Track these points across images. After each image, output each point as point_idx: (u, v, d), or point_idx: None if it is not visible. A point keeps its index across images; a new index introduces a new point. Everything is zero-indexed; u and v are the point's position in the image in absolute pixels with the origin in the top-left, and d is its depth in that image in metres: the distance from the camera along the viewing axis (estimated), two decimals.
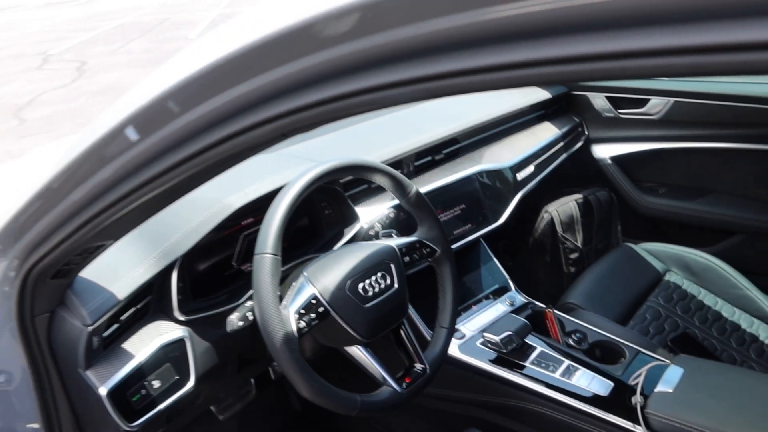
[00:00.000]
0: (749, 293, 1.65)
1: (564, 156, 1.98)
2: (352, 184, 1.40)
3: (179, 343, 1.05)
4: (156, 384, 1.01)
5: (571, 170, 2.07)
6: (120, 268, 1.01)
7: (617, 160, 2.11)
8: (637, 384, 1.23)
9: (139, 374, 0.99)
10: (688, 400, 1.18)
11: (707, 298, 1.68)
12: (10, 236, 0.85)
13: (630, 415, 1.19)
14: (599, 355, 1.38)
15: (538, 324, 1.42)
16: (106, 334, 0.99)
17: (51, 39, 11.43)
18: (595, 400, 1.24)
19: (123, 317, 1.02)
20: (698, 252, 1.77)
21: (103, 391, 0.94)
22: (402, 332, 1.09)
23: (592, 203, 1.97)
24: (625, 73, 0.36)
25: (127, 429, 0.97)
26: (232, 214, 1.11)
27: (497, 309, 1.51)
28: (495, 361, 1.34)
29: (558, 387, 1.27)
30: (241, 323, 1.01)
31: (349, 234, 1.32)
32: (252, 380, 1.59)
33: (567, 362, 1.32)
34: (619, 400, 1.23)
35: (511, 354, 1.34)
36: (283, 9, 0.49)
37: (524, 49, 0.37)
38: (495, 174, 1.68)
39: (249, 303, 1.05)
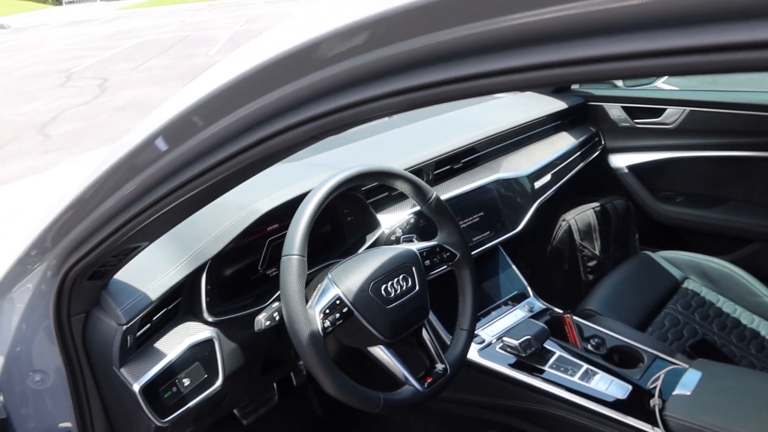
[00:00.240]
0: None
1: (581, 165, 2.00)
2: (374, 192, 1.44)
3: (208, 343, 1.09)
4: (186, 382, 1.05)
5: (588, 179, 2.09)
6: (152, 271, 1.05)
7: (634, 169, 2.12)
8: (655, 387, 1.24)
9: (170, 372, 1.03)
10: (706, 402, 1.19)
11: (726, 306, 1.69)
12: (48, 240, 0.89)
13: (648, 417, 1.20)
14: (617, 360, 1.39)
15: (556, 329, 1.44)
16: (139, 333, 1.03)
17: (74, 57, 11.71)
18: (613, 403, 1.25)
19: (155, 318, 1.06)
20: (716, 260, 1.77)
21: (136, 387, 0.98)
22: (423, 333, 1.12)
23: (609, 212, 1.98)
24: (627, 74, 0.38)
25: (159, 425, 1.01)
26: (259, 218, 1.15)
27: (516, 315, 1.53)
28: (514, 365, 1.36)
29: (577, 390, 1.28)
30: (268, 323, 1.05)
31: (370, 240, 1.35)
32: (275, 386, 1.62)
33: (585, 366, 1.34)
34: (637, 403, 1.24)
35: (530, 358, 1.36)
36: (314, 19, 0.53)
37: (544, 52, 0.40)
38: (513, 182, 1.71)
39: (276, 304, 1.09)
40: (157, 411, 1.00)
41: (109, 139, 5.84)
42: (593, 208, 1.96)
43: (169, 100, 0.68)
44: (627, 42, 0.36)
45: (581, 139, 2.05)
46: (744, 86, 1.93)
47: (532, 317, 1.51)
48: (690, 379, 1.25)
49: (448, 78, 0.45)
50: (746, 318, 1.64)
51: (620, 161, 2.15)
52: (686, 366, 1.30)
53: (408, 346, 1.11)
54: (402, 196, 1.49)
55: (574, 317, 1.48)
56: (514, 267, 1.67)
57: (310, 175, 1.30)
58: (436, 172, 1.59)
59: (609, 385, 1.29)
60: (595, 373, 1.32)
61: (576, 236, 1.91)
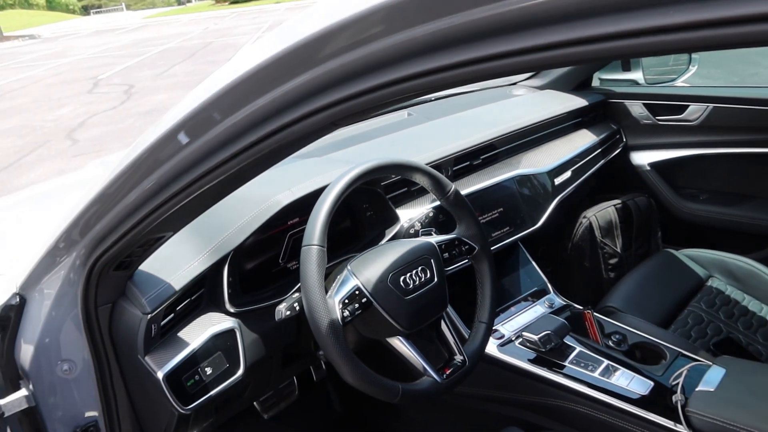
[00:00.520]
0: None
1: (602, 162, 1.99)
2: (393, 187, 1.45)
3: (230, 333, 1.11)
4: (208, 371, 1.06)
5: (609, 177, 2.08)
6: (176, 262, 1.08)
7: (656, 166, 2.10)
8: (677, 384, 1.23)
9: (193, 361, 1.05)
10: (730, 398, 1.17)
11: (752, 304, 1.66)
12: (76, 233, 0.92)
13: (670, 414, 1.19)
14: (639, 357, 1.38)
15: (576, 325, 1.43)
16: (163, 322, 1.05)
17: (101, 64, 11.96)
18: (634, 399, 1.24)
19: (178, 308, 1.08)
20: (741, 258, 1.75)
21: (160, 374, 1.00)
22: (442, 325, 1.12)
23: (631, 209, 1.97)
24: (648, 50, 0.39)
25: (182, 412, 1.03)
26: (279, 211, 1.17)
27: (536, 310, 1.53)
28: (534, 361, 1.36)
29: (597, 386, 1.27)
30: (288, 312, 1.06)
31: (389, 234, 1.36)
32: (295, 380, 1.63)
33: (606, 362, 1.33)
34: (659, 399, 1.23)
35: (550, 353, 1.35)
36: (330, 7, 0.54)
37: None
38: (532, 178, 1.71)
39: (296, 294, 1.11)
40: (180, 398, 1.02)
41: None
42: (614, 206, 1.95)
43: (189, 94, 0.70)
44: (647, 18, 0.36)
45: (602, 136, 2.03)
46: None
47: (552, 313, 1.51)
48: (714, 376, 1.23)
49: (465, 60, 0.46)
50: None
51: (642, 158, 2.13)
52: (709, 363, 1.29)
53: (426, 338, 1.11)
54: (421, 192, 1.50)
55: (595, 314, 1.47)
56: (533, 263, 1.66)
57: (329, 170, 1.32)
58: (455, 168, 1.59)
59: (630, 381, 1.27)
60: (616, 369, 1.31)
61: (597, 233, 1.90)
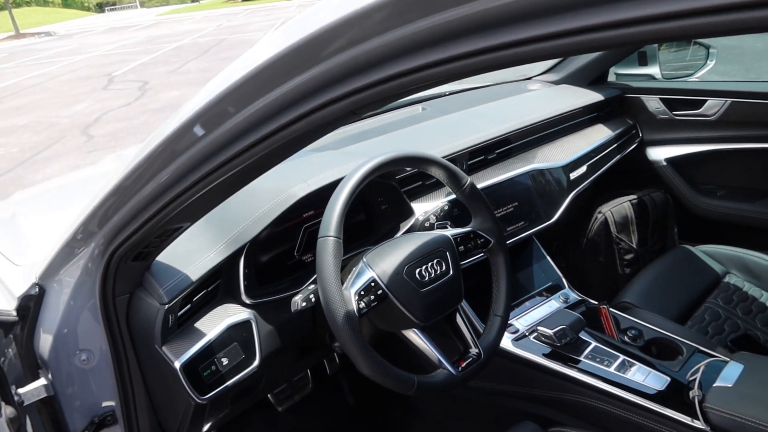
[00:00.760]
0: None
1: (618, 157, 1.98)
2: (408, 181, 1.44)
3: (246, 324, 1.11)
4: (225, 361, 1.07)
5: (625, 172, 2.06)
6: (193, 253, 1.08)
7: (673, 161, 2.08)
8: (695, 379, 1.22)
9: (210, 351, 1.05)
10: (748, 394, 1.16)
11: None
12: (94, 224, 0.93)
13: (687, 409, 1.18)
14: (655, 352, 1.37)
15: (592, 321, 1.42)
16: (180, 313, 1.06)
17: (115, 61, 12.06)
18: (651, 394, 1.23)
19: (195, 298, 1.09)
20: (760, 254, 1.73)
21: (177, 364, 1.01)
22: (457, 318, 1.12)
23: (647, 204, 1.95)
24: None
25: (199, 401, 1.03)
26: (295, 203, 1.17)
27: (551, 305, 1.52)
28: (549, 355, 1.35)
29: (613, 381, 1.27)
30: (304, 304, 1.07)
31: (404, 228, 1.36)
32: (308, 373, 1.64)
33: (622, 357, 1.32)
34: (675, 395, 1.22)
35: (565, 348, 1.35)
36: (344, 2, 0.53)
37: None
38: (548, 173, 1.70)
39: (312, 286, 1.11)
40: (197, 388, 1.03)
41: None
42: (630, 201, 1.93)
43: (206, 86, 0.70)
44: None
45: (618, 131, 2.01)
46: None
47: (567, 308, 1.50)
48: (731, 372, 1.22)
49: (484, 47, 0.46)
50: None
51: (658, 154, 2.11)
52: (727, 359, 1.27)
53: (441, 331, 1.11)
54: (436, 186, 1.50)
55: (611, 309, 1.46)
56: (548, 258, 1.65)
57: (345, 163, 1.32)
58: (469, 162, 1.58)
59: (646, 377, 1.27)
60: (632, 365, 1.30)
61: (612, 229, 1.88)
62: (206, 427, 1.22)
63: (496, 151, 1.66)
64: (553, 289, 1.59)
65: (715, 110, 1.93)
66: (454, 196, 1.35)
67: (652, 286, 1.66)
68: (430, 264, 1.06)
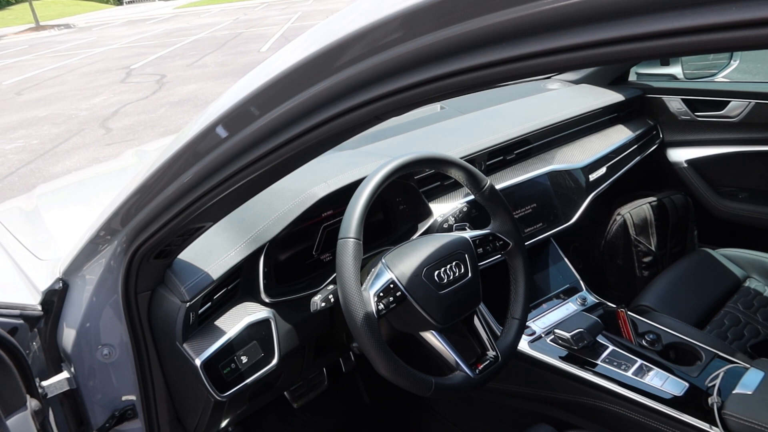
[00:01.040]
0: None
1: (638, 159, 1.96)
2: (427, 181, 1.44)
3: (265, 323, 1.12)
4: (244, 359, 1.08)
5: (645, 173, 2.04)
6: (214, 252, 1.09)
7: (694, 163, 2.06)
8: (713, 386, 1.21)
9: (230, 349, 1.06)
10: None
11: None
12: (117, 222, 0.94)
13: (706, 416, 1.17)
14: (674, 357, 1.36)
15: (609, 324, 1.41)
16: (200, 311, 1.07)
17: (133, 54, 12.15)
18: (668, 399, 1.22)
19: (215, 296, 1.10)
20: None
21: (198, 362, 1.02)
22: (475, 321, 1.12)
23: (667, 206, 1.93)
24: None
25: (218, 399, 1.05)
26: (315, 203, 1.18)
27: (568, 308, 1.51)
28: (565, 358, 1.35)
29: (630, 385, 1.26)
30: (323, 304, 1.07)
31: (422, 228, 1.36)
32: (324, 371, 1.65)
33: (640, 362, 1.31)
34: (694, 400, 1.21)
35: (582, 351, 1.34)
36: (374, 3, 0.54)
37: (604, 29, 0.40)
38: (567, 174, 1.69)
39: (331, 287, 1.11)
40: (216, 386, 1.04)
41: (167, 132, 6.04)
42: (650, 203, 1.91)
43: (231, 88, 0.71)
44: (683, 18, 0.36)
45: (638, 132, 2.00)
46: None
47: (584, 311, 1.49)
48: (751, 379, 1.21)
49: (507, 57, 0.46)
50: None
51: (679, 155, 2.09)
52: (747, 365, 1.26)
53: (459, 334, 1.11)
54: (454, 186, 1.50)
55: (629, 312, 1.45)
56: (566, 260, 1.65)
57: (364, 163, 1.32)
58: (488, 163, 1.58)
59: (664, 382, 1.26)
60: (649, 369, 1.29)
61: (631, 231, 1.87)
62: (224, 423, 1.23)
63: (515, 152, 1.65)
64: (571, 292, 1.58)
65: (738, 112, 1.91)
66: (472, 196, 1.35)
67: (670, 290, 1.64)
68: (448, 266, 1.06)
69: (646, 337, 1.38)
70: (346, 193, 1.17)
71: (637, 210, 1.89)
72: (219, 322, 1.09)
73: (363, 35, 0.52)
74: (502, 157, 1.62)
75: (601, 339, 1.37)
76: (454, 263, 1.07)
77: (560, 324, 1.41)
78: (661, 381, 1.26)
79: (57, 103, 8.20)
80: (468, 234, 1.15)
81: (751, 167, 1.97)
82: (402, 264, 1.05)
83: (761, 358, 1.33)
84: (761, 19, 0.33)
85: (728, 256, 1.77)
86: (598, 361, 1.32)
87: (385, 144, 1.53)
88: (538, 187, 1.61)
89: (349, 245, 0.97)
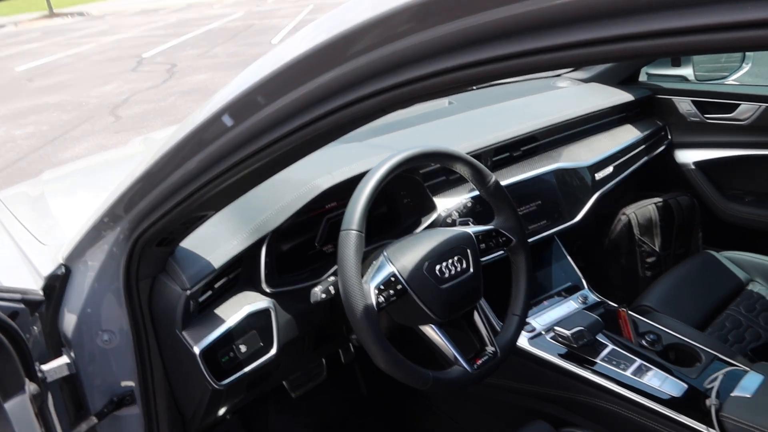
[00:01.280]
0: None
1: (645, 159, 1.95)
2: (431, 175, 1.44)
3: (265, 312, 1.12)
4: (243, 348, 1.09)
5: (651, 174, 2.03)
6: (216, 241, 1.10)
7: (701, 165, 2.04)
8: (712, 388, 1.20)
9: (229, 338, 1.07)
10: (767, 405, 1.15)
11: None
12: (120, 209, 0.94)
13: (703, 418, 1.17)
14: (673, 358, 1.35)
15: (610, 323, 1.41)
16: (201, 299, 1.07)
17: (145, 43, 12.17)
18: (666, 400, 1.22)
19: (216, 285, 1.10)
20: None
21: (197, 350, 1.03)
22: (475, 316, 1.12)
23: (672, 208, 1.92)
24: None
25: (216, 387, 1.05)
26: (319, 195, 1.18)
27: (569, 306, 1.51)
28: (565, 356, 1.35)
29: (629, 385, 1.26)
30: (323, 296, 1.08)
31: (426, 222, 1.36)
32: (323, 361, 1.66)
33: (639, 362, 1.31)
34: (692, 402, 1.21)
35: (582, 349, 1.34)
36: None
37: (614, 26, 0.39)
38: (573, 172, 1.68)
39: (332, 278, 1.12)
40: (215, 374, 1.05)
41: (176, 121, 6.04)
42: (655, 203, 1.90)
43: (237, 77, 0.71)
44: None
45: (647, 132, 1.98)
46: None
47: (585, 309, 1.49)
48: (750, 382, 1.20)
49: (514, 52, 0.45)
50: None
51: (687, 157, 2.07)
52: (746, 368, 1.26)
53: (459, 328, 1.11)
54: (459, 181, 1.49)
55: (630, 312, 1.45)
56: (569, 258, 1.64)
57: (369, 155, 1.32)
58: (495, 159, 1.58)
59: (663, 383, 1.26)
60: (648, 369, 1.29)
61: (635, 231, 1.86)
62: (222, 411, 1.24)
63: (522, 149, 1.65)
64: (572, 290, 1.58)
65: (748, 115, 1.89)
66: (476, 192, 1.34)
67: (673, 291, 1.64)
68: (450, 261, 1.06)
69: (646, 337, 1.37)
70: (350, 185, 1.17)
71: (642, 210, 1.88)
72: (219, 311, 1.10)
73: (372, 25, 0.51)
74: (508, 154, 1.62)
75: (601, 338, 1.37)
76: (456, 258, 1.07)
77: (561, 322, 1.41)
78: (659, 381, 1.26)
79: (68, 90, 8.23)
80: (471, 229, 1.15)
81: (759, 171, 1.96)
82: (404, 257, 1.05)
83: (761, 361, 1.32)
84: None
85: (732, 259, 1.76)
86: (598, 360, 1.32)
87: (391, 137, 1.53)
88: (543, 185, 1.61)
89: (351, 237, 0.97)
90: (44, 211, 1.47)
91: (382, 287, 1.01)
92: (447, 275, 1.05)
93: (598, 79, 2.13)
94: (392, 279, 1.02)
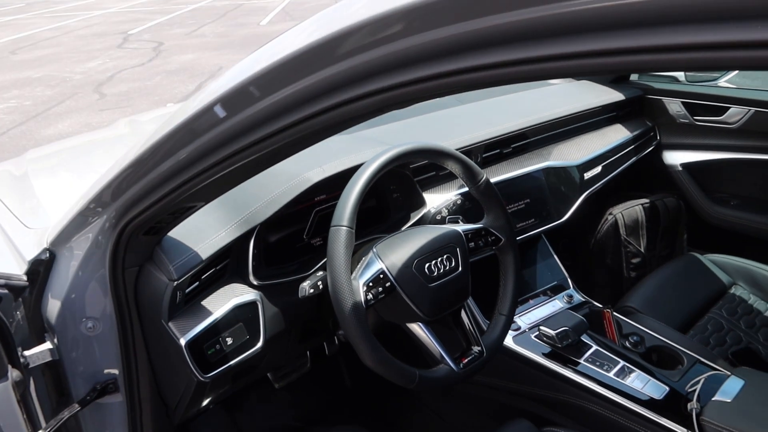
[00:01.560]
0: None
1: (633, 159, 1.96)
2: (422, 170, 1.43)
3: (252, 305, 1.12)
4: (229, 341, 1.08)
5: (639, 174, 2.04)
6: (204, 231, 1.08)
7: (689, 167, 2.06)
8: (693, 391, 1.22)
9: (215, 330, 1.06)
10: (746, 411, 1.16)
11: None
12: (108, 196, 0.93)
13: (684, 420, 1.19)
14: (656, 360, 1.37)
15: (594, 324, 1.42)
16: (188, 290, 1.06)
17: (132, 19, 11.96)
18: (648, 402, 1.24)
19: (203, 276, 1.09)
20: None
21: (183, 341, 1.02)
22: (462, 315, 1.12)
23: (659, 209, 1.94)
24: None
25: (201, 379, 1.04)
26: (309, 188, 1.17)
27: (554, 305, 1.52)
28: (549, 355, 1.35)
29: (611, 386, 1.27)
30: (312, 291, 1.07)
31: (415, 218, 1.36)
32: (308, 353, 1.65)
33: (622, 363, 1.32)
34: (673, 405, 1.22)
35: (566, 349, 1.35)
36: None
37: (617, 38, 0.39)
38: (562, 171, 1.68)
39: (321, 273, 1.11)
40: (200, 366, 1.04)
41: (161, 101, 5.97)
42: (642, 204, 1.92)
43: (232, 68, 0.70)
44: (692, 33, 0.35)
45: (636, 132, 1.99)
46: None
47: (570, 309, 1.50)
48: (731, 386, 1.22)
49: (515, 59, 0.45)
50: None
51: (675, 158, 2.09)
52: (728, 373, 1.27)
53: (446, 327, 1.12)
54: (449, 177, 1.49)
55: (614, 313, 1.46)
56: (555, 257, 1.65)
57: (360, 149, 1.31)
58: (485, 155, 1.57)
59: (645, 385, 1.27)
60: (631, 371, 1.30)
61: (622, 231, 1.87)
62: (206, 401, 1.23)
63: (512, 146, 1.65)
64: (558, 289, 1.58)
65: (737, 118, 1.90)
66: (466, 188, 1.34)
67: (656, 292, 1.65)
68: (439, 259, 1.06)
69: (630, 338, 1.39)
70: (340, 178, 1.16)
71: (629, 211, 1.89)
72: (206, 303, 1.09)
73: (371, 24, 0.50)
74: (498, 150, 1.62)
75: (585, 338, 1.38)
76: (445, 256, 1.07)
77: (546, 321, 1.41)
78: (642, 383, 1.27)
79: (52, 64, 8.07)
80: (460, 227, 1.15)
81: (745, 175, 1.98)
82: (393, 254, 1.04)
83: (742, 366, 1.34)
84: None
85: (716, 261, 1.78)
86: (581, 360, 1.33)
87: (381, 130, 1.52)
88: (532, 183, 1.61)
89: (341, 233, 0.97)
90: (28, 191, 1.44)
91: (370, 284, 1.00)
92: (436, 273, 1.05)
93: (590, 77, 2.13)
94: (381, 276, 1.01)
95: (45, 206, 1.33)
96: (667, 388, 1.26)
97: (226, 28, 10.32)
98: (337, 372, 1.86)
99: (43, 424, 1.12)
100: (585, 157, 1.77)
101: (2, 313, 1.00)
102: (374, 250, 1.06)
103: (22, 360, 1.06)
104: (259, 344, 1.12)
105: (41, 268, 1.07)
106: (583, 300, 1.56)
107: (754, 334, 1.58)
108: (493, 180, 1.50)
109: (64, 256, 1.07)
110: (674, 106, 2.03)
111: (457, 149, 1.44)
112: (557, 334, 1.34)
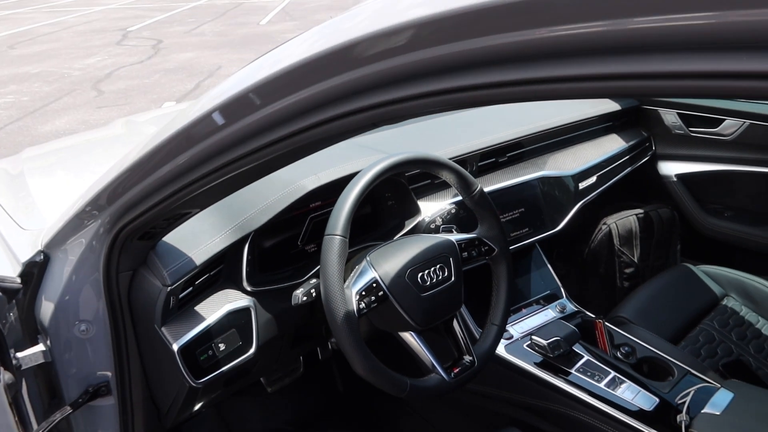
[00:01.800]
0: None
1: (628, 169, 1.96)
2: (417, 179, 1.44)
3: (245, 311, 1.12)
4: (222, 347, 1.08)
5: (634, 185, 2.05)
6: (198, 237, 1.08)
7: (683, 178, 2.07)
8: (683, 403, 1.23)
9: (208, 336, 1.06)
10: (735, 424, 1.17)
11: (765, 328, 1.64)
12: (104, 199, 0.93)
13: None
14: (647, 371, 1.38)
15: (586, 334, 1.43)
16: (181, 295, 1.06)
17: (131, 16, 11.94)
18: (638, 413, 1.24)
19: (197, 282, 1.09)
20: (760, 279, 1.73)
21: (175, 347, 1.02)
22: (454, 324, 1.13)
23: (653, 219, 1.95)
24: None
25: (193, 385, 1.05)
26: (304, 195, 1.17)
27: (547, 314, 1.53)
28: (540, 365, 1.36)
29: (601, 396, 1.28)
30: (305, 298, 1.07)
31: (409, 226, 1.36)
32: (301, 358, 1.66)
33: (613, 374, 1.33)
34: (663, 417, 1.23)
35: (557, 359, 1.36)
36: (384, 7, 0.53)
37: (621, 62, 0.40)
38: (557, 181, 1.69)
39: (314, 281, 1.11)
40: (192, 371, 1.04)
41: (159, 99, 5.96)
42: (636, 215, 1.93)
43: (233, 75, 0.70)
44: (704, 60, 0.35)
45: (631, 142, 2.00)
46: None
47: (562, 318, 1.51)
48: (721, 399, 1.23)
49: (514, 79, 0.45)
50: None
51: (670, 169, 2.10)
52: (718, 385, 1.28)
53: (438, 336, 1.12)
54: (444, 185, 1.49)
55: (606, 323, 1.47)
56: (549, 266, 1.66)
57: (356, 157, 1.32)
58: (480, 164, 1.58)
59: (636, 396, 1.28)
60: (622, 382, 1.31)
61: (615, 241, 1.88)
62: (198, 406, 1.23)
63: (508, 155, 1.65)
64: (551, 298, 1.59)
65: (732, 130, 1.92)
66: (461, 197, 1.35)
67: (649, 303, 1.66)
68: (432, 269, 1.07)
69: (621, 349, 1.39)
70: (335, 186, 1.17)
71: (623, 221, 1.90)
72: (199, 308, 1.09)
73: (373, 38, 0.51)
74: (494, 159, 1.62)
75: (576, 348, 1.39)
76: (438, 266, 1.08)
77: (538, 330, 1.42)
78: (632, 394, 1.28)
79: (50, 60, 8.05)
80: (454, 237, 1.15)
81: (740, 186, 1.99)
82: (386, 263, 1.05)
83: (732, 378, 1.35)
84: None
85: (709, 273, 1.79)
86: (572, 371, 1.34)
87: (377, 137, 1.52)
88: (527, 192, 1.62)
89: (335, 242, 0.97)
90: (24, 191, 1.44)
91: (363, 293, 1.00)
92: (429, 283, 1.05)
93: None
94: (374, 285, 1.02)
95: (40, 207, 1.33)
96: (657, 400, 1.26)
97: (226, 27, 10.32)
98: (329, 377, 1.86)
99: (35, 426, 1.12)
100: (580, 166, 1.78)
101: None
102: (368, 258, 1.06)
103: (14, 362, 1.06)
104: (252, 350, 1.12)
105: (35, 270, 1.07)
106: (576, 310, 1.56)
107: (745, 346, 1.59)
108: (488, 189, 1.51)
109: (58, 259, 1.07)
110: (670, 117, 2.04)
111: (453, 158, 1.45)
112: (549, 343, 1.35)
